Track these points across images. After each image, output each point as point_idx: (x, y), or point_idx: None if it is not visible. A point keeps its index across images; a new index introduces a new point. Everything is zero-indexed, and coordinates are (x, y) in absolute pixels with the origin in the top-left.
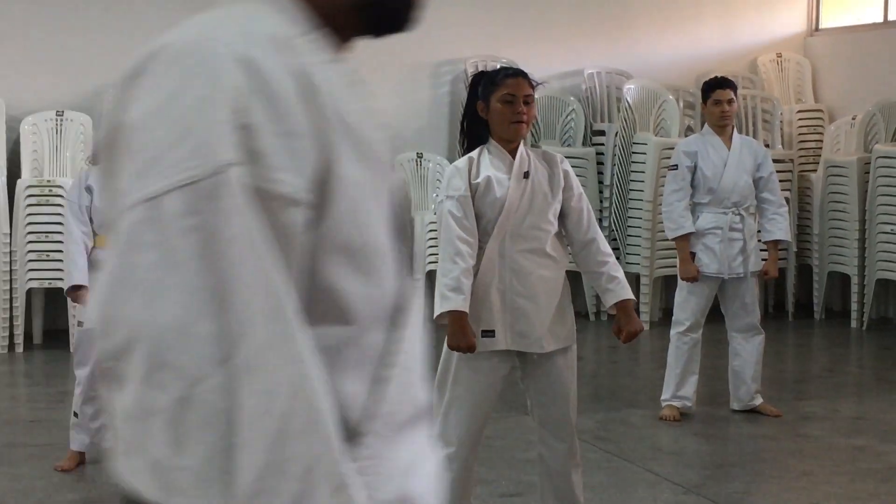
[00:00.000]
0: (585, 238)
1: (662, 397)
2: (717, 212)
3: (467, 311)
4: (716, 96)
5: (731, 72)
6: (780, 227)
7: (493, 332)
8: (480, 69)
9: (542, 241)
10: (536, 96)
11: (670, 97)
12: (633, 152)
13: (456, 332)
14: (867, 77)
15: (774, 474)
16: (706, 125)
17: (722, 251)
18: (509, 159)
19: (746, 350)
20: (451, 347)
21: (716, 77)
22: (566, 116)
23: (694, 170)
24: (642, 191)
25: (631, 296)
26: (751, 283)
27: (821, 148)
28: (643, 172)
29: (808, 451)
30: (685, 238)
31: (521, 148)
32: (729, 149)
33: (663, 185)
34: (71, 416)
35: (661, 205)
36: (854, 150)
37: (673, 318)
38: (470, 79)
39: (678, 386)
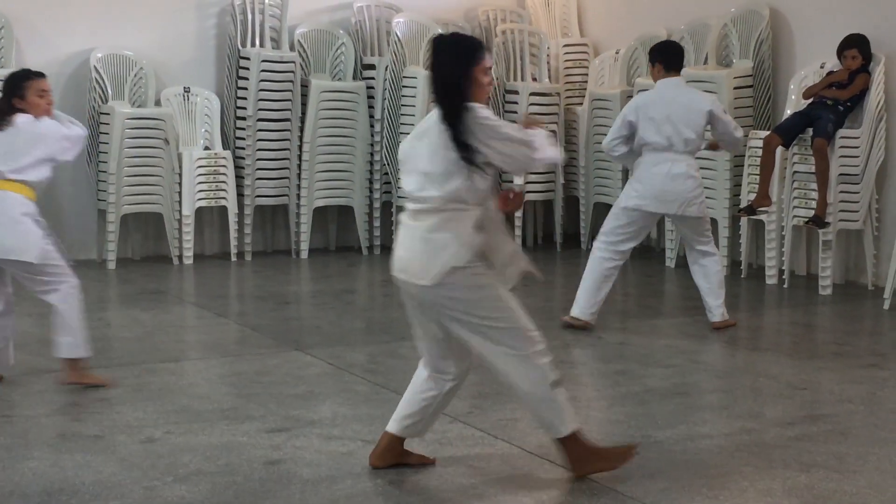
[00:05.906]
0: None
1: None
2: None
3: None
4: None
5: (499, 6)
6: None
7: None
8: (248, 1)
9: None
10: (305, 30)
11: (440, 30)
12: (404, 86)
13: None
14: (630, 12)
15: None
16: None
17: None
18: None
19: None
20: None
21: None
22: (336, 50)
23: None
24: (413, 125)
25: None
26: None
27: (586, 81)
28: (414, 106)
29: (573, 377)
30: None
31: None
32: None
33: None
34: None
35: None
36: (618, 83)
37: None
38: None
39: None
